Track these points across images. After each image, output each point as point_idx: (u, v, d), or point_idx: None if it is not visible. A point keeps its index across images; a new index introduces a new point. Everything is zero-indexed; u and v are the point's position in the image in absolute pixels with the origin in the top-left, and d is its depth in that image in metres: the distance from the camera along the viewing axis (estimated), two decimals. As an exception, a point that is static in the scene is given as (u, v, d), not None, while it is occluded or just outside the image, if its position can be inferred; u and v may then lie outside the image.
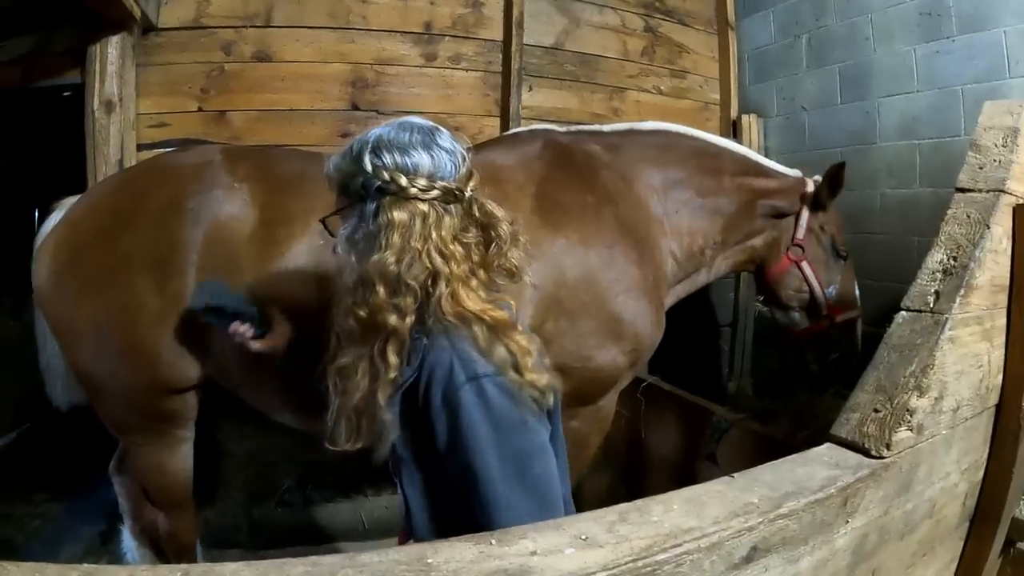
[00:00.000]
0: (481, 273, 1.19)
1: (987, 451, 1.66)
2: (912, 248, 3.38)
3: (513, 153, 2.44)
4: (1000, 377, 1.64)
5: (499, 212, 1.25)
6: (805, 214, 2.65)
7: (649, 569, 0.89)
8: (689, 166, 2.54)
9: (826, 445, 1.38)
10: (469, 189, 1.21)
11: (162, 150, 2.99)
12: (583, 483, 2.72)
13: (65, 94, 3.31)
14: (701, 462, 2.91)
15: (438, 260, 1.13)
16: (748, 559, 1.02)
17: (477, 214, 1.22)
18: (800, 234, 2.64)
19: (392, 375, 1.13)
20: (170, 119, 3.11)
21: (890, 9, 3.50)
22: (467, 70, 3.51)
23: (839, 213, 2.78)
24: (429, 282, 1.14)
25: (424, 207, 1.15)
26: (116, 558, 2.99)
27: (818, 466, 1.25)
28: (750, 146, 4.00)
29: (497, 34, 3.55)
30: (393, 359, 1.13)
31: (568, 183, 2.35)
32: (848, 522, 1.21)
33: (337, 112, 3.28)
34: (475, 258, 1.19)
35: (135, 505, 2.42)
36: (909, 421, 1.33)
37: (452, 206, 1.18)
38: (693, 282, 2.64)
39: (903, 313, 1.57)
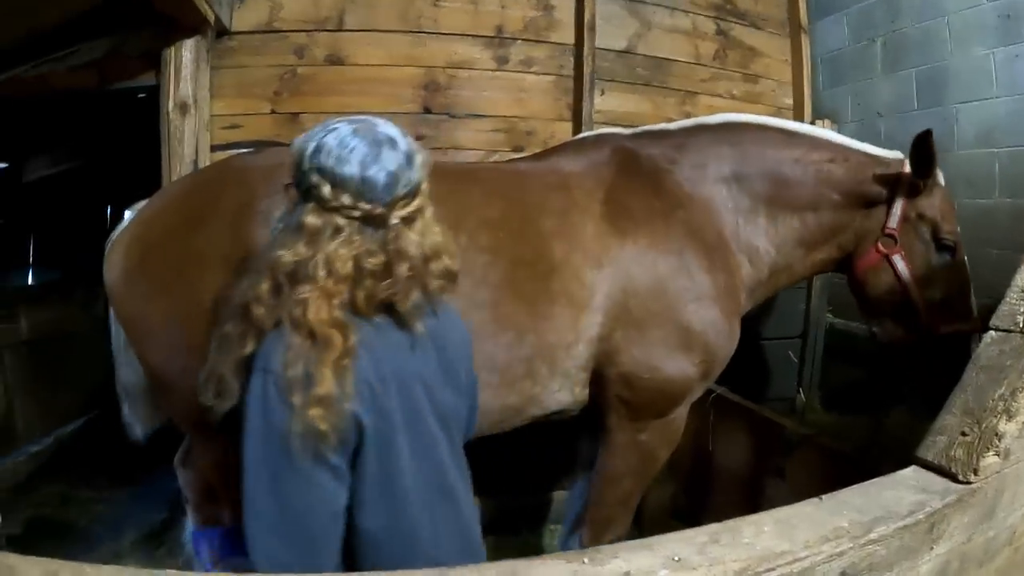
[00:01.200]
0: (360, 296, 1.14)
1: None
2: (990, 260, 3.22)
3: (581, 159, 2.39)
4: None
5: (414, 250, 1.19)
6: (900, 200, 2.31)
7: None
8: (762, 158, 2.36)
9: (912, 468, 1.36)
10: (396, 217, 1.16)
11: (236, 151, 3.02)
12: (646, 493, 2.64)
13: (140, 96, 3.37)
14: (768, 476, 2.84)
15: (321, 269, 1.11)
16: None
17: (390, 246, 1.17)
18: (893, 222, 2.30)
19: (244, 353, 1.15)
20: (243, 121, 3.14)
21: (967, 11, 3.35)
22: (539, 74, 3.46)
23: (948, 198, 2.43)
24: (299, 282, 1.12)
25: (341, 221, 1.13)
26: (176, 546, 3.04)
27: (905, 490, 1.24)
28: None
29: (569, 38, 3.50)
30: (249, 345, 1.14)
31: (636, 188, 2.29)
32: (932, 548, 1.19)
33: (409, 115, 3.26)
34: (366, 283, 1.14)
35: (198, 498, 2.43)
36: (997, 446, 1.29)
37: (369, 228, 1.16)
38: (773, 284, 2.49)
39: (991, 333, 1.51)
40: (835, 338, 3.95)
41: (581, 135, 2.66)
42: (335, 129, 1.18)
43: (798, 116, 4.06)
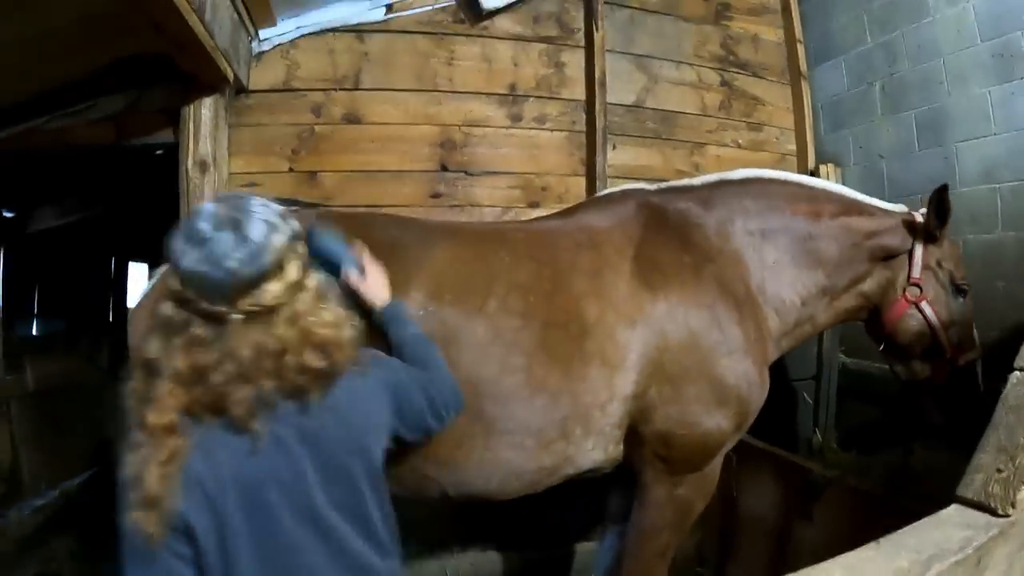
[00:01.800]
0: (194, 398, 1.09)
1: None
2: (997, 294, 3.31)
3: (607, 215, 2.42)
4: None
5: (246, 351, 1.10)
6: (919, 250, 2.44)
7: None
8: (785, 212, 2.44)
9: (954, 506, 1.43)
10: (237, 314, 1.10)
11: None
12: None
13: (157, 152, 3.40)
14: (795, 520, 2.86)
15: (167, 367, 1.09)
16: None
17: (225, 345, 1.09)
18: (916, 272, 2.44)
19: None
20: (261, 179, 3.16)
21: (962, 52, 3.45)
22: (552, 130, 3.53)
23: (956, 245, 2.62)
24: (154, 379, 1.10)
25: (187, 317, 1.10)
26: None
27: (952, 528, 1.32)
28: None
29: (580, 94, 3.57)
30: None
31: (664, 244, 2.31)
32: None
33: (426, 173, 3.31)
34: (198, 385, 1.09)
35: None
36: None
37: (211, 326, 1.10)
38: (798, 335, 2.54)
39: (1017, 373, 1.61)
40: (848, 378, 3.98)
41: (606, 191, 2.68)
42: (198, 211, 1.12)
43: (801, 162, 4.14)
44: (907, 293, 2.46)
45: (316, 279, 1.21)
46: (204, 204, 1.14)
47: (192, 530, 1.05)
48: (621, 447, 2.24)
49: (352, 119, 3.25)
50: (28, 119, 3.03)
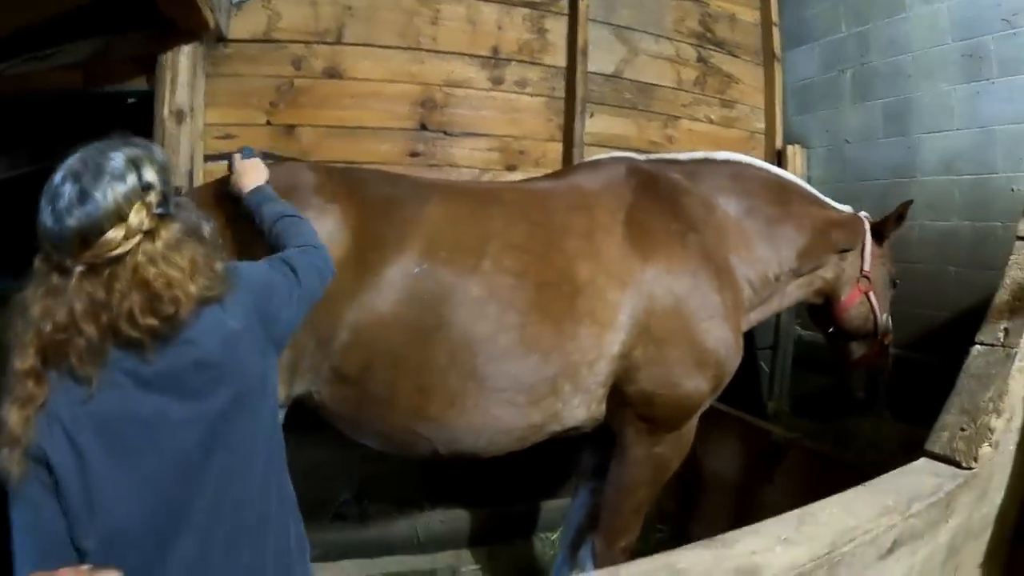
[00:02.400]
0: (44, 346, 1.11)
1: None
2: (949, 278, 3.51)
3: (599, 179, 2.50)
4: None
5: (79, 304, 1.10)
6: (870, 246, 2.78)
7: (836, 558, 1.13)
8: (761, 196, 2.63)
9: (922, 459, 1.63)
10: (79, 266, 1.11)
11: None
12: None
13: (130, 101, 3.30)
14: (756, 480, 3.01)
15: (27, 315, 1.12)
16: (890, 551, 1.26)
17: (65, 297, 1.11)
18: (867, 265, 2.77)
19: None
20: (237, 131, 3.10)
21: (932, 49, 3.61)
22: (532, 95, 3.56)
23: (890, 246, 2.97)
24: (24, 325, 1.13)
25: (43, 267, 1.14)
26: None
27: (924, 476, 1.51)
28: (795, 175, 4.10)
29: (561, 61, 3.61)
30: None
31: (654, 210, 2.41)
32: (948, 522, 1.45)
33: (406, 131, 3.31)
34: (45, 334, 1.11)
35: None
36: (990, 438, 1.57)
37: (60, 277, 1.12)
38: (765, 309, 2.72)
39: (978, 346, 1.80)
40: (803, 349, 4.18)
41: (596, 156, 2.76)
42: (62, 162, 1.14)
43: (769, 141, 4.27)
44: (860, 283, 2.80)
45: (174, 227, 1.20)
46: (70, 156, 1.15)
47: (48, 461, 1.07)
48: (603, 406, 2.32)
49: (333, 74, 3.22)
50: (-10, 64, 2.90)
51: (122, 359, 1.13)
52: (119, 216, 1.11)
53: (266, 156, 3.05)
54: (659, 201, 2.45)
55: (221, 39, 3.05)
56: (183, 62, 2.91)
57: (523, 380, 2.11)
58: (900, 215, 2.82)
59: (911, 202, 2.86)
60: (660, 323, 2.24)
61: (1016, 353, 1.68)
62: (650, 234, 2.33)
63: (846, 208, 2.84)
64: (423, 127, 3.34)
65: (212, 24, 2.84)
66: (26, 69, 2.97)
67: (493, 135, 3.46)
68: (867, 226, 2.80)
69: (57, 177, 1.12)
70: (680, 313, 2.27)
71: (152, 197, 1.15)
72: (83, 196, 1.09)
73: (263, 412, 1.30)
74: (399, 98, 3.30)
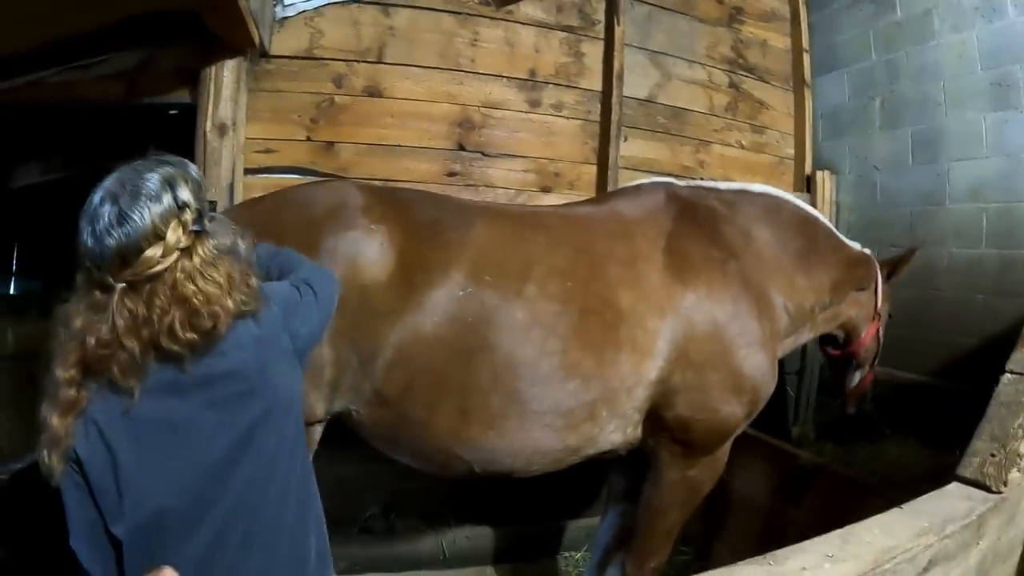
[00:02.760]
0: (88, 351, 1.15)
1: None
2: (976, 305, 3.52)
3: (640, 206, 2.53)
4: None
5: (121, 320, 1.14)
6: (882, 285, 2.86)
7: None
8: (794, 229, 2.68)
9: (954, 484, 1.69)
10: (120, 283, 1.15)
11: (269, 176, 3.07)
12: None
13: (171, 112, 3.35)
14: (781, 503, 3.02)
15: (71, 326, 1.17)
16: (926, 569, 1.31)
17: (109, 313, 1.15)
18: (879, 303, 2.87)
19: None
20: (277, 146, 3.15)
21: (962, 78, 3.65)
22: (568, 118, 3.60)
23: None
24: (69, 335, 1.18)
25: (84, 282, 1.18)
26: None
27: (956, 500, 1.57)
28: (823, 202, 4.17)
29: (597, 84, 3.65)
30: None
31: (694, 237, 2.44)
32: (978, 544, 1.50)
33: (444, 151, 3.36)
34: (89, 347, 1.14)
35: None
36: (1019, 463, 1.62)
37: (101, 294, 1.16)
38: (798, 339, 2.76)
39: (1008, 375, 1.86)
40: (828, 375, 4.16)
41: (636, 182, 2.77)
42: (100, 182, 1.18)
43: (799, 166, 4.29)
44: (875, 320, 2.90)
45: (210, 244, 1.24)
46: (109, 176, 1.19)
47: (80, 461, 1.13)
48: (639, 430, 2.34)
49: (373, 92, 3.27)
50: (35, 70, 2.95)
51: (160, 370, 1.18)
52: (156, 235, 1.15)
53: (305, 172, 3.12)
54: (699, 228, 2.47)
55: (264, 55, 3.10)
56: (227, 76, 2.96)
57: (563, 404, 2.13)
58: (909, 259, 2.95)
59: (918, 248, 3.00)
60: (700, 348, 2.27)
61: None
62: (690, 261, 2.36)
63: (858, 246, 2.90)
64: (461, 147, 3.38)
65: (256, 40, 2.89)
66: (69, 78, 3.00)
67: (529, 157, 3.50)
68: (878, 265, 2.90)
69: (96, 198, 1.15)
70: (720, 338, 2.29)
71: (187, 215, 1.19)
72: (122, 217, 1.13)
73: (288, 424, 1.33)
74: (438, 118, 3.35)
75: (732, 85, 4.08)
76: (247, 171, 3.07)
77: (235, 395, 1.24)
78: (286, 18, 3.18)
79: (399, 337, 2.01)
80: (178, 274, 1.18)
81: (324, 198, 2.14)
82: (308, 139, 3.19)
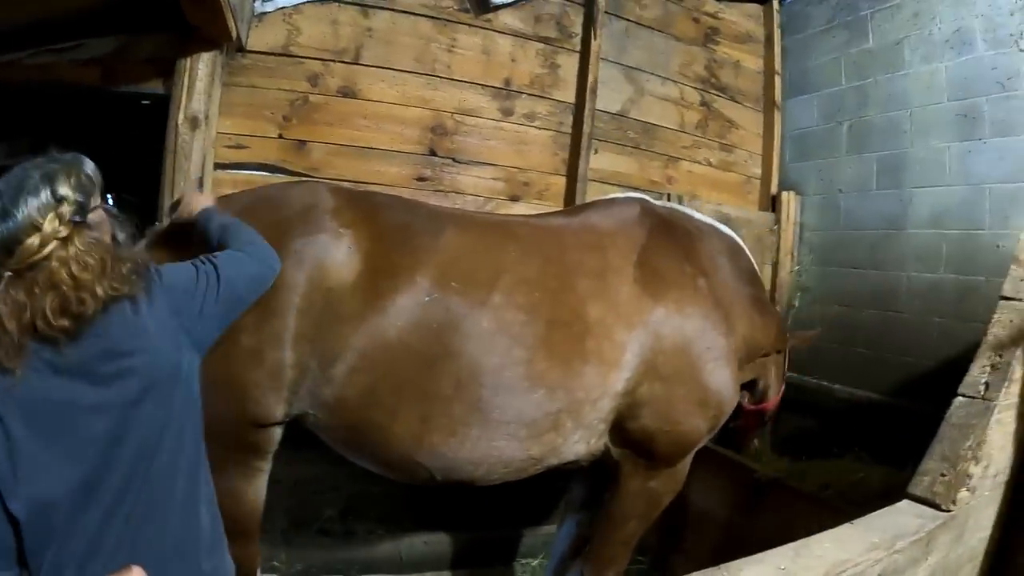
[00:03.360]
0: None
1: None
2: (933, 328, 3.63)
3: (613, 219, 2.58)
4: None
5: (4, 307, 1.23)
6: (783, 356, 3.11)
7: None
8: (750, 277, 2.81)
9: (905, 501, 1.76)
10: (8, 270, 1.24)
11: (239, 172, 3.07)
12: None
13: (144, 102, 3.32)
14: (736, 515, 3.11)
15: None
16: None
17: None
18: (786, 370, 3.17)
19: None
20: (249, 142, 3.13)
21: (929, 107, 3.75)
22: (540, 128, 3.64)
23: None
24: None
25: None
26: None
27: (907, 516, 1.64)
28: (788, 221, 4.26)
29: (570, 96, 3.70)
30: None
31: (668, 251, 2.51)
32: (927, 559, 1.57)
33: (415, 156, 3.37)
34: None
35: None
36: (968, 483, 1.71)
37: None
38: (743, 375, 2.81)
39: (960, 398, 1.93)
40: (785, 390, 4.24)
41: (611, 195, 2.85)
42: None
43: (765, 186, 4.39)
44: (783, 387, 3.13)
45: (88, 234, 1.33)
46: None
47: None
48: (603, 441, 2.38)
49: (348, 93, 3.27)
50: (10, 50, 2.91)
51: (40, 350, 1.25)
52: (34, 227, 1.24)
53: (275, 170, 3.12)
54: (674, 243, 2.55)
55: (240, 49, 3.09)
56: (202, 69, 2.93)
57: (526, 414, 2.16)
58: (809, 340, 3.29)
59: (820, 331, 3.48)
60: (668, 361, 2.32)
61: (995, 406, 1.80)
62: (662, 275, 2.42)
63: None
64: (432, 152, 3.40)
65: (234, 33, 2.86)
66: (44, 60, 2.96)
67: (499, 165, 3.53)
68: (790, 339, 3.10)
69: None
70: (688, 352, 2.36)
71: (65, 208, 1.29)
72: (4, 213, 1.24)
73: (175, 402, 1.39)
74: (411, 122, 3.36)
75: (704, 103, 4.15)
76: (217, 166, 3.05)
77: (113, 374, 1.32)
78: (265, 13, 3.15)
79: (362, 341, 2.02)
80: (54, 262, 1.26)
81: (296, 199, 2.14)
82: (280, 137, 3.18)
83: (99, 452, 1.28)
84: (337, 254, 2.04)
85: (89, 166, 1.40)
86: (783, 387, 3.17)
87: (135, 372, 1.33)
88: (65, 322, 1.25)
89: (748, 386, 3.00)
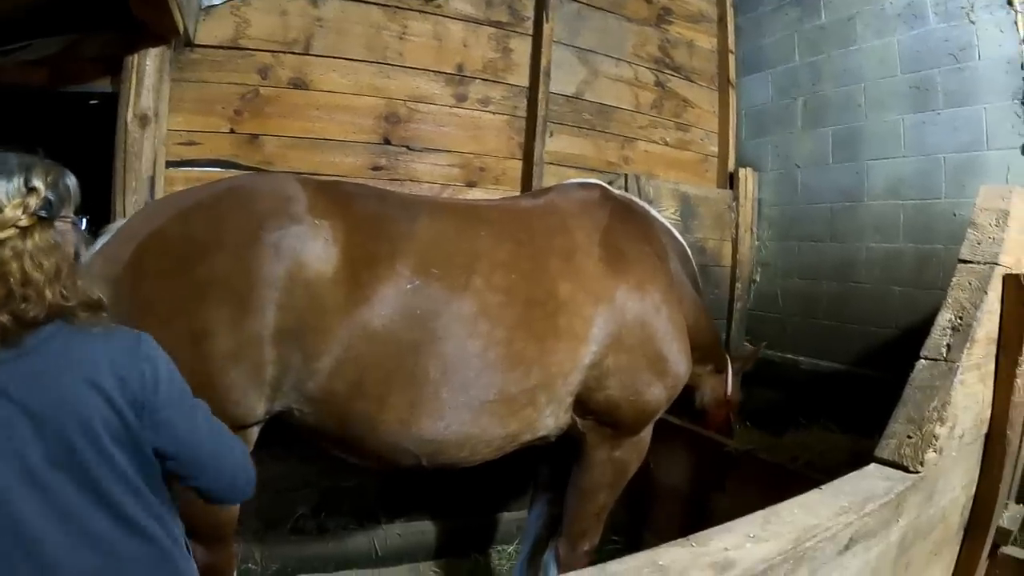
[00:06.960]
0: None
1: (979, 470, 2.08)
2: (894, 297, 3.72)
3: (576, 201, 2.67)
4: (989, 411, 2.06)
5: None
6: (732, 376, 3.25)
7: (801, 553, 1.24)
8: (691, 270, 2.98)
9: (873, 465, 1.77)
10: None
11: (192, 169, 3.03)
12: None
13: (92, 102, 3.27)
14: (708, 490, 3.12)
15: None
16: (847, 547, 1.38)
17: None
18: (729, 391, 3.24)
19: None
20: (200, 138, 3.09)
21: (882, 81, 3.82)
22: (494, 113, 3.65)
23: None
24: None
25: None
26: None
27: (875, 480, 1.65)
28: (746, 198, 4.31)
29: (524, 80, 3.71)
30: None
31: (629, 231, 2.63)
32: (899, 521, 1.59)
33: (369, 145, 3.36)
34: None
35: None
36: (934, 445, 1.72)
37: None
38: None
39: (923, 361, 1.96)
40: (754, 365, 4.29)
41: (572, 180, 2.90)
42: None
43: (722, 163, 4.44)
44: (722, 407, 3.25)
45: (50, 233, 1.25)
46: None
47: None
48: (569, 414, 2.44)
49: (299, 84, 3.24)
50: (-46, 53, 2.85)
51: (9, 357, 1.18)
52: None
53: (228, 165, 3.09)
54: (633, 225, 2.68)
55: (188, 44, 3.03)
56: (149, 65, 2.88)
57: (507, 392, 2.22)
58: (753, 356, 3.40)
59: (764, 345, 3.57)
60: (631, 333, 2.42)
61: (958, 367, 1.84)
62: (624, 253, 2.53)
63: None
64: (387, 141, 3.39)
65: (181, 28, 2.82)
66: (-8, 63, 2.93)
67: (455, 151, 3.54)
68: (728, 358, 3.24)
69: None
70: (649, 325, 2.47)
71: (34, 200, 1.22)
72: None
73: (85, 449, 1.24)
74: (364, 111, 3.35)
75: (658, 83, 4.19)
76: (169, 163, 3.00)
77: (38, 398, 1.19)
78: (212, 6, 3.10)
79: (348, 333, 2.00)
80: (7, 251, 1.19)
81: (267, 191, 2.09)
82: (232, 131, 3.13)
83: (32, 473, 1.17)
84: (315, 246, 2.00)
85: (72, 180, 1.31)
86: (729, 412, 3.31)
87: (67, 410, 1.20)
88: (4, 318, 1.16)
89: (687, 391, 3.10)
